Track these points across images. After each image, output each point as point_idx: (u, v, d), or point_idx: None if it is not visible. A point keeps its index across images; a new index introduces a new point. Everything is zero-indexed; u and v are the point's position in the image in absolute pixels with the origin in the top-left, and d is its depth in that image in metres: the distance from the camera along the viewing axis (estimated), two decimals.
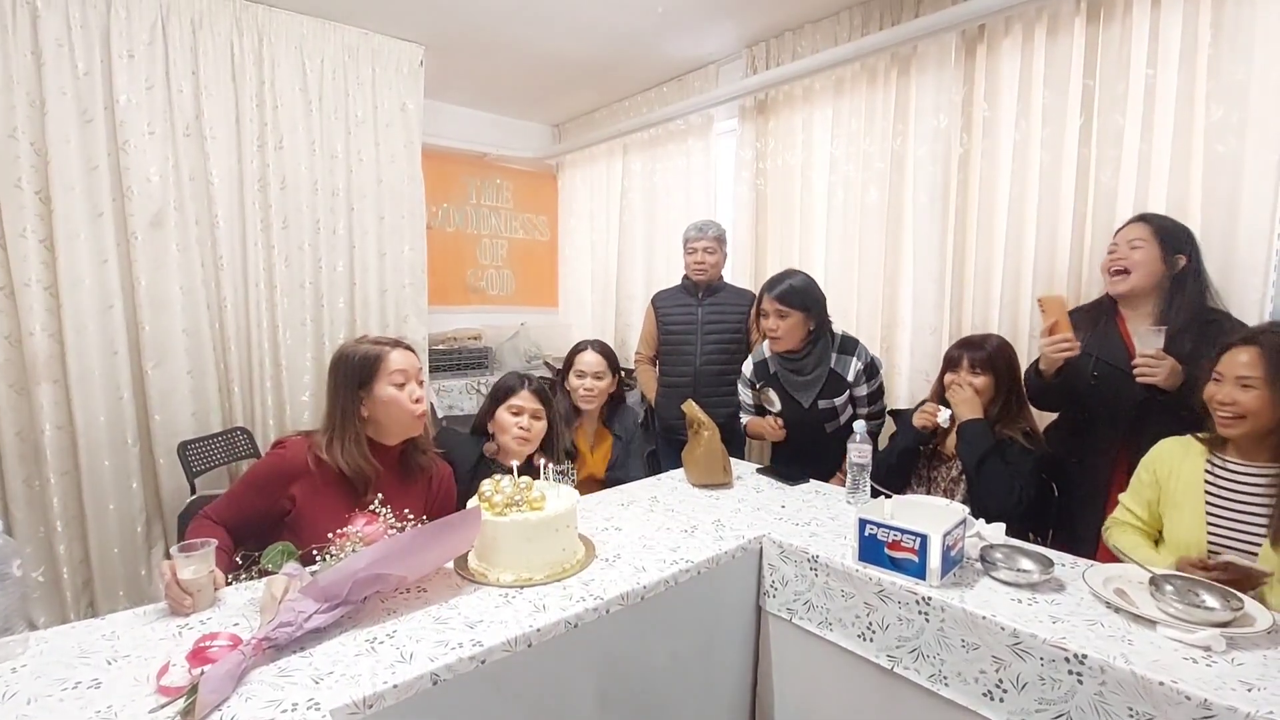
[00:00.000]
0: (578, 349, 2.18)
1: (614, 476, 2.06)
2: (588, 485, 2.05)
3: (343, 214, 3.01)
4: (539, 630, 1.09)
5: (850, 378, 2.11)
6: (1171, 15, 2.02)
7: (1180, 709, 0.91)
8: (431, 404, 2.02)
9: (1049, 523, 1.80)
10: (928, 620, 1.19)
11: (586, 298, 4.51)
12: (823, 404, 2.12)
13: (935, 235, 2.59)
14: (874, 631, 1.28)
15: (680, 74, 3.60)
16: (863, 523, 1.29)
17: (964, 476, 1.75)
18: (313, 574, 1.08)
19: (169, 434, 2.60)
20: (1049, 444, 1.93)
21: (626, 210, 4.11)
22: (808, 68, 2.88)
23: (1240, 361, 1.30)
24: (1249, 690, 0.90)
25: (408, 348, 1.48)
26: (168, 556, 1.12)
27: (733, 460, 1.95)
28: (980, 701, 1.12)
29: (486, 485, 1.34)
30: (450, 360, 3.91)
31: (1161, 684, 0.93)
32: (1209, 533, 1.33)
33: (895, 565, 1.24)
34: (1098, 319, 1.78)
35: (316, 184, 2.91)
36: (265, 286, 2.84)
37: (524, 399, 1.77)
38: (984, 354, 1.80)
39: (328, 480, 1.38)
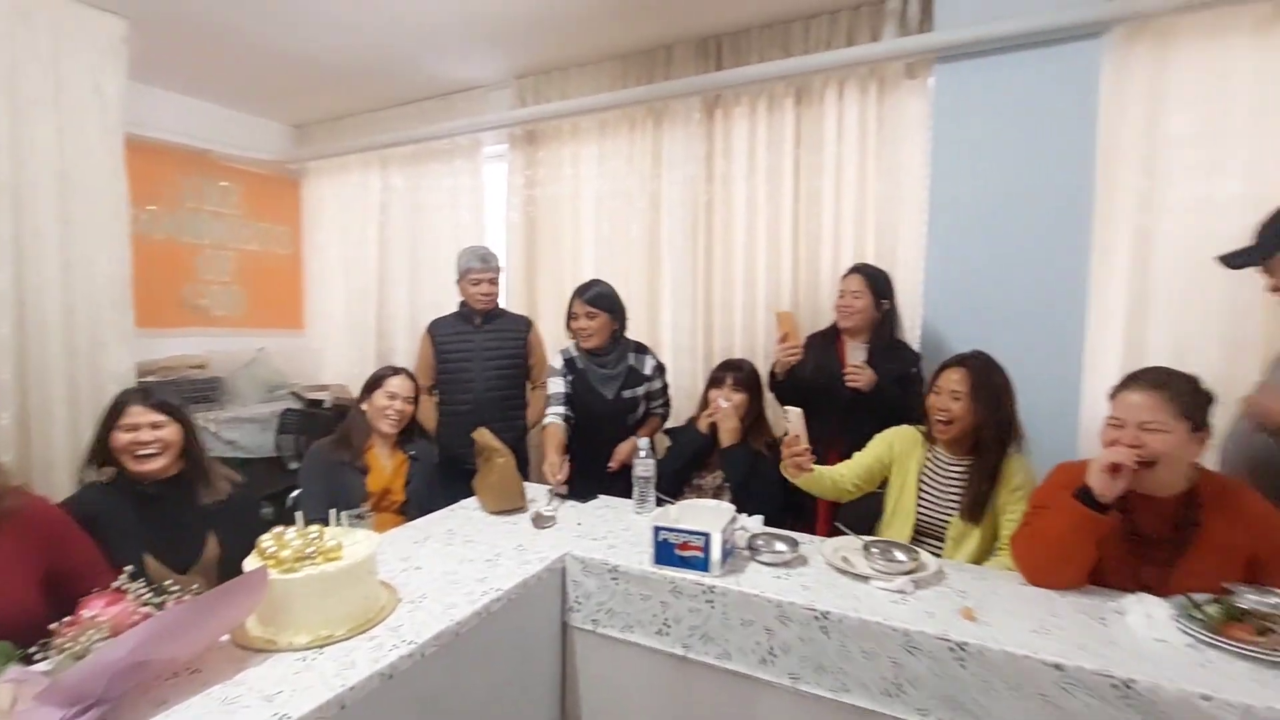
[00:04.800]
0: (386, 373, 2.19)
1: (414, 491, 2.05)
2: (387, 505, 2.03)
3: (6, 215, 2.35)
4: (351, 688, 1.02)
5: (648, 373, 2.38)
6: (849, 105, 2.63)
7: (890, 639, 1.22)
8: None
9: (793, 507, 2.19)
10: (713, 607, 1.39)
11: (341, 320, 4.11)
12: (626, 394, 2.34)
13: (688, 268, 2.97)
14: (670, 625, 1.44)
15: (446, 93, 3.55)
16: (657, 529, 1.45)
17: (728, 483, 2.06)
18: (47, 674, 0.87)
19: None
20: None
21: (388, 227, 3.88)
22: (572, 108, 3.08)
23: (952, 379, 1.70)
24: (930, 616, 1.25)
25: None
26: None
27: (524, 484, 2.00)
28: (758, 667, 1.35)
29: (267, 540, 1.20)
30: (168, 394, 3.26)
31: (879, 623, 1.23)
32: (918, 506, 1.76)
33: (685, 563, 1.43)
34: (828, 340, 2.29)
35: None
36: None
37: (137, 414, 1.54)
38: (743, 374, 2.16)
39: None
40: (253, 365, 3.77)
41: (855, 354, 2.07)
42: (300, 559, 1.17)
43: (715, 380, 2.18)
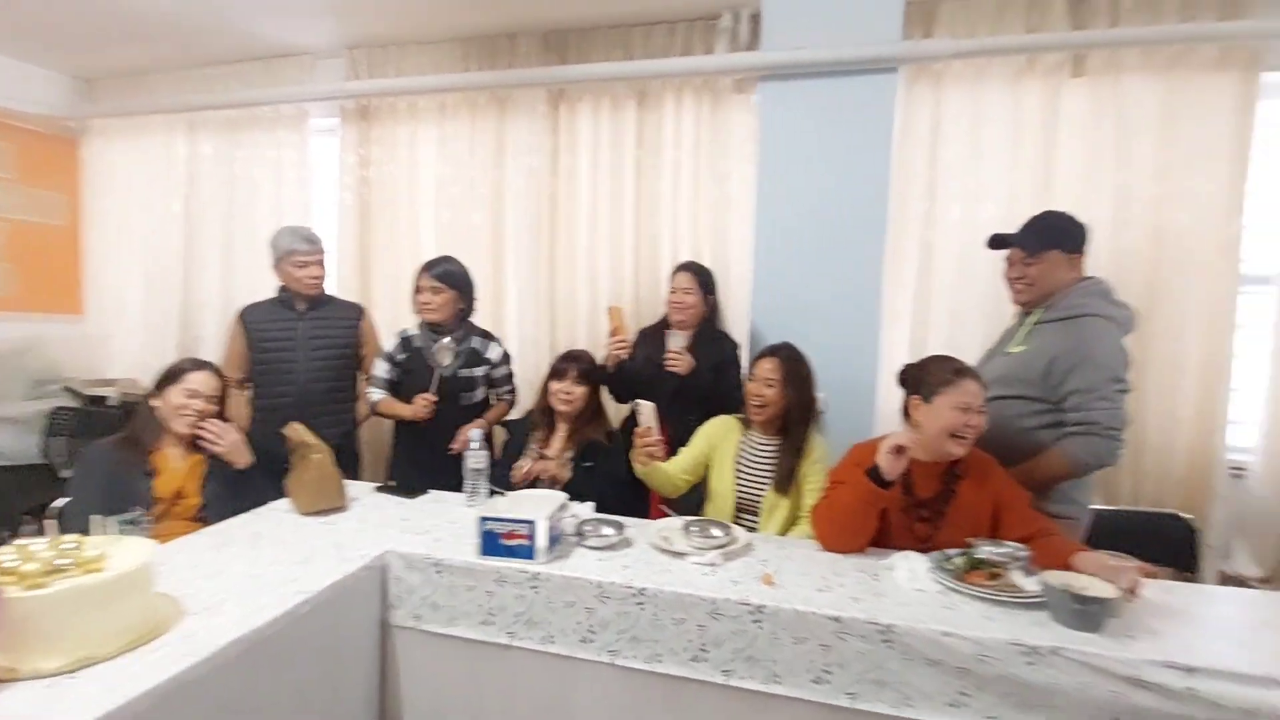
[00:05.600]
0: (187, 366, 1.89)
1: (213, 495, 1.82)
2: (180, 511, 1.78)
3: None
4: (114, 711, 0.91)
5: (490, 357, 2.37)
6: (686, 113, 2.78)
7: (699, 607, 1.32)
8: None
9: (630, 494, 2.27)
10: (538, 592, 1.41)
11: (135, 305, 3.58)
12: (463, 373, 2.30)
13: (533, 260, 2.96)
14: (494, 615, 1.44)
15: (269, 56, 3.23)
16: (482, 520, 1.44)
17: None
18: None
19: None
20: (627, 432, 2.44)
21: (194, 200, 3.44)
22: (409, 86, 2.95)
23: (766, 367, 1.91)
24: (734, 584, 1.37)
25: None
26: None
27: (347, 482, 1.89)
28: (578, 647, 1.39)
29: (7, 553, 1.04)
30: None
31: (689, 594, 1.33)
32: (736, 485, 1.91)
33: (511, 552, 1.43)
34: (657, 333, 2.40)
35: None
36: None
37: None
38: (584, 367, 2.17)
39: None
40: (24, 356, 3.17)
41: (675, 341, 2.20)
42: (50, 573, 1.02)
43: (557, 372, 2.19)
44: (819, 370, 2.46)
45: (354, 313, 2.56)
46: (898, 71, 2.42)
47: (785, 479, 1.86)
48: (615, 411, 2.59)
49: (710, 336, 2.33)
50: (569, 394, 2.12)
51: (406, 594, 1.51)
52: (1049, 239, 1.81)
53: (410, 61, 3.02)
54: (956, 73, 2.51)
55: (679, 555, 1.51)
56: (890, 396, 2.50)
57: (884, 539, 1.63)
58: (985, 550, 1.47)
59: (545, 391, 2.17)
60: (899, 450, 1.51)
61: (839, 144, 2.46)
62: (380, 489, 1.98)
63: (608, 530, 1.59)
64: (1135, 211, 2.40)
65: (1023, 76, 2.46)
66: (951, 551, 1.50)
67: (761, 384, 1.90)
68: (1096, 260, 2.41)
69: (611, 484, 2.01)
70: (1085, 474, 1.78)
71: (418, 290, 2.31)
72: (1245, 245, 2.34)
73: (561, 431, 2.16)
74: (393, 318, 2.95)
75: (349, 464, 2.49)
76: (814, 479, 1.86)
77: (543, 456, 2.12)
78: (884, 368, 2.53)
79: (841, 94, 2.44)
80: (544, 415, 2.17)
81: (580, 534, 1.57)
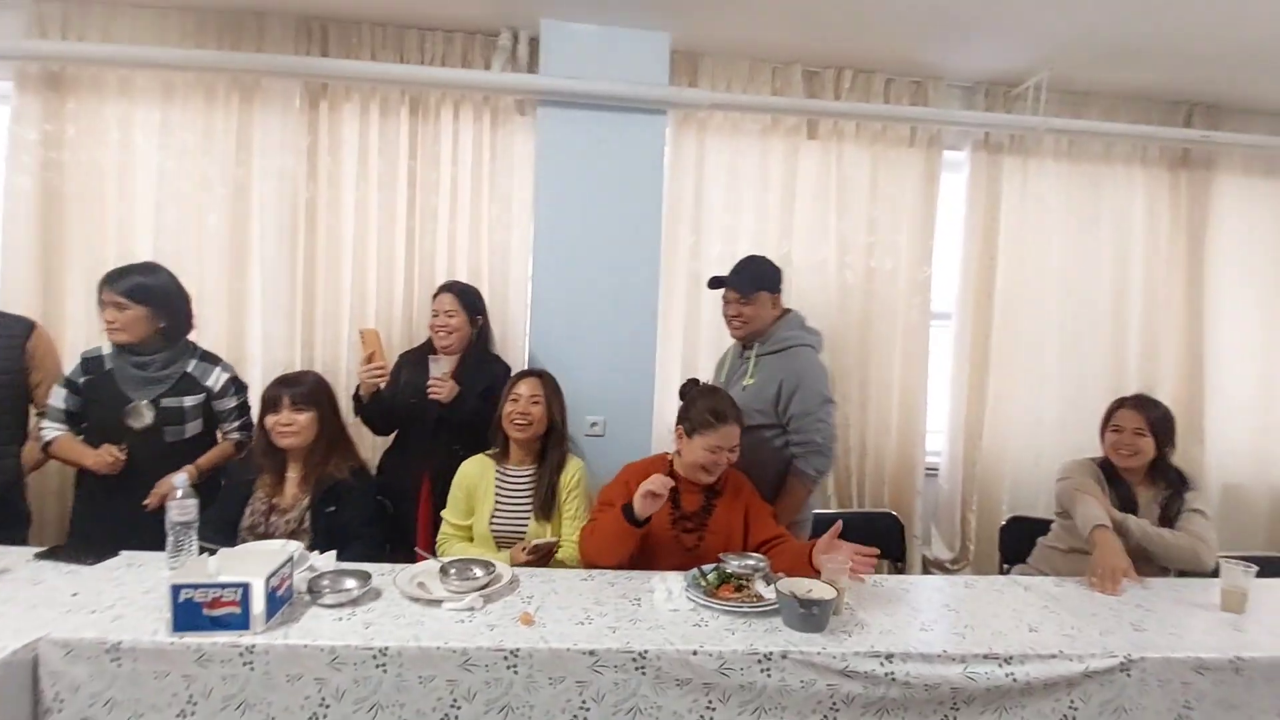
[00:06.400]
0: None
1: None
2: None
3: None
4: None
5: (212, 385, 1.98)
6: (465, 128, 2.67)
7: (449, 661, 1.22)
8: None
9: (392, 536, 2.03)
10: (253, 669, 1.19)
11: None
12: (168, 401, 1.90)
13: (285, 273, 2.61)
14: (195, 705, 1.18)
15: None
16: (175, 589, 1.18)
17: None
18: None
19: None
20: (384, 466, 2.23)
21: None
22: (118, 56, 2.44)
23: (530, 386, 1.92)
24: (491, 629, 1.29)
25: None
26: None
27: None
28: None
29: None
30: None
31: (438, 648, 1.22)
32: (496, 522, 1.85)
33: (217, 624, 1.19)
34: (423, 355, 2.18)
35: None
36: None
37: None
38: (304, 390, 1.80)
39: None
40: None
41: (437, 367, 2.04)
42: None
43: (269, 402, 1.79)
44: (598, 391, 2.52)
45: (19, 329, 1.99)
46: (667, 114, 2.58)
47: (547, 503, 1.86)
48: (374, 444, 2.39)
49: (479, 360, 2.21)
50: (289, 425, 1.76)
51: (69, 693, 1.19)
52: (759, 282, 2.10)
53: (122, 26, 2.50)
54: (718, 123, 2.76)
55: (435, 603, 1.39)
56: (667, 413, 2.65)
57: (656, 549, 1.73)
58: (734, 564, 1.58)
59: (263, 429, 1.80)
60: (653, 496, 1.61)
61: (615, 174, 2.55)
62: (43, 555, 1.55)
63: (350, 583, 1.40)
64: (854, 255, 2.84)
65: (769, 134, 2.79)
66: (707, 568, 1.59)
67: (527, 403, 1.89)
68: (826, 295, 2.82)
69: (363, 525, 1.79)
70: (816, 487, 2.05)
71: (101, 304, 1.88)
72: (933, 288, 2.89)
73: (294, 473, 1.81)
74: (87, 337, 2.40)
75: (12, 523, 1.95)
76: (571, 504, 1.89)
77: (272, 508, 1.78)
78: (660, 387, 2.65)
79: (618, 127, 2.53)
80: (268, 456, 1.80)
81: (314, 591, 1.37)
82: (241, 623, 1.20)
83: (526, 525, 1.85)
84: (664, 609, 1.44)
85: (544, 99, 2.50)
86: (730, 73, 2.72)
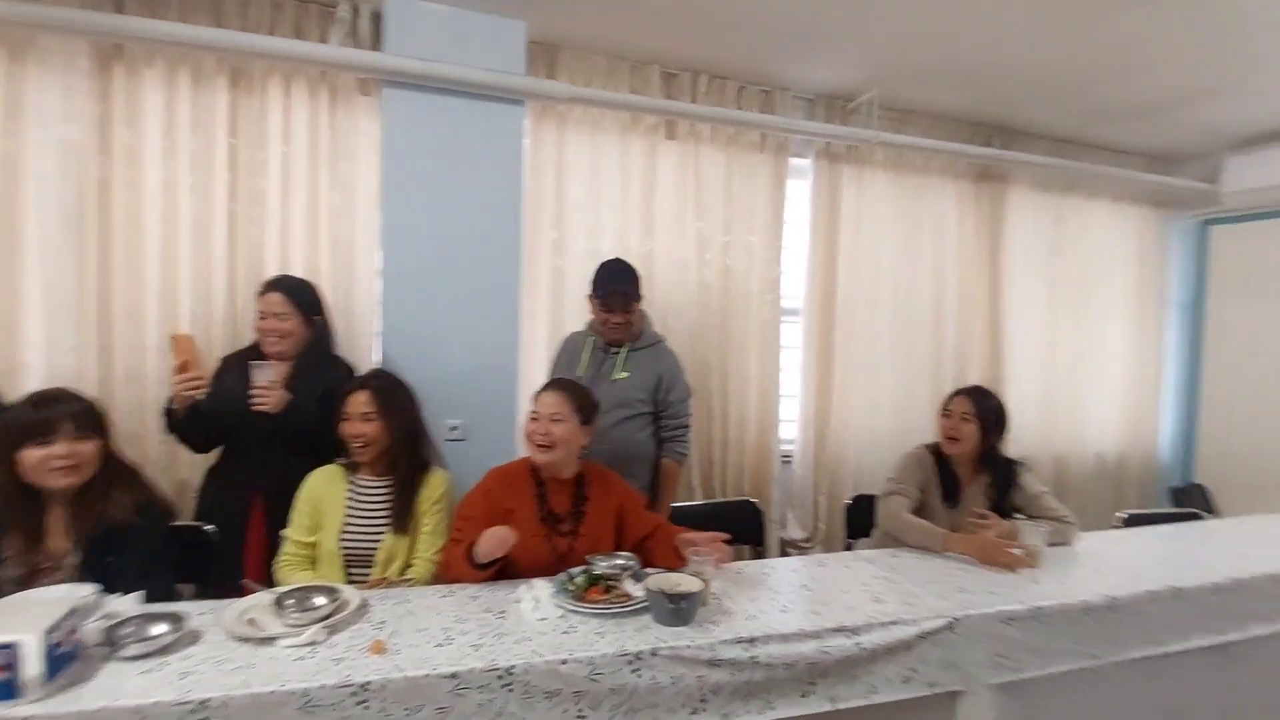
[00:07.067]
0: None
1: None
2: None
3: None
4: None
5: None
6: (298, 107, 2.40)
7: (287, 705, 1.08)
8: None
9: (208, 567, 1.79)
10: None
11: None
12: None
13: (71, 264, 2.20)
14: None
15: None
16: None
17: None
18: None
19: None
20: (207, 488, 1.95)
21: None
22: None
23: (360, 401, 1.72)
24: (336, 663, 1.16)
25: None
26: None
27: None
28: None
29: None
30: None
31: (273, 692, 1.07)
32: (347, 538, 1.68)
33: None
34: (244, 362, 1.91)
35: None
36: None
37: None
38: (81, 409, 1.44)
39: None
40: None
41: (262, 374, 1.80)
42: None
43: (30, 428, 1.36)
44: (457, 393, 2.39)
45: None
46: (525, 105, 2.50)
47: (403, 517, 1.72)
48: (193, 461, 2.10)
49: (316, 364, 1.98)
50: (66, 459, 1.37)
51: None
52: (638, 290, 2.23)
53: None
54: (578, 118, 2.72)
55: (268, 641, 1.23)
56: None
57: (526, 558, 1.62)
58: (601, 565, 1.56)
59: (12, 466, 1.36)
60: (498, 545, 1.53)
61: (471, 165, 2.42)
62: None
63: (158, 629, 1.20)
64: (711, 254, 2.95)
65: (629, 132, 2.80)
66: (575, 571, 1.55)
67: (358, 420, 1.72)
68: (687, 292, 2.90)
69: (152, 565, 1.47)
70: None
71: None
72: (783, 286, 3.06)
73: (57, 520, 1.41)
74: None
75: None
76: (430, 519, 1.76)
77: (34, 571, 1.37)
78: (523, 387, 2.57)
79: (473, 116, 2.41)
80: (17, 505, 1.38)
81: (114, 642, 1.16)
82: (8, 691, 0.98)
83: (380, 540, 1.70)
84: (531, 619, 1.39)
85: (389, 80, 2.32)
86: (589, 68, 2.69)
